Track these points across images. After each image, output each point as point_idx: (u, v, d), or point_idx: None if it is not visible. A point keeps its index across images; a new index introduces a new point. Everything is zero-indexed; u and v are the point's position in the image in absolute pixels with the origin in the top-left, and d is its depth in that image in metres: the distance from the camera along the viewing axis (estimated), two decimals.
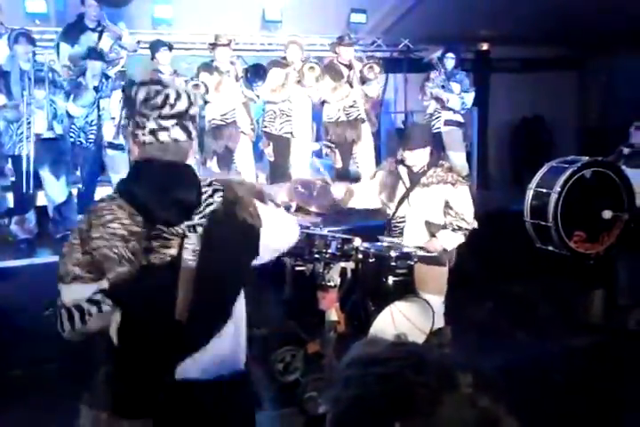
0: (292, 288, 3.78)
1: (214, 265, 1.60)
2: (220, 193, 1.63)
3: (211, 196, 1.61)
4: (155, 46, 5.28)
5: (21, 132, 4.70)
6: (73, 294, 1.53)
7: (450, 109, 6.09)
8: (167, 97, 1.54)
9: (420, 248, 3.58)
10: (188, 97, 1.59)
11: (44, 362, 3.65)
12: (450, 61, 6.08)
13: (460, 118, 6.21)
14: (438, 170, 3.58)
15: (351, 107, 5.72)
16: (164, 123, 1.55)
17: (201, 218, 1.58)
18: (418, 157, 3.57)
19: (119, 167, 4.92)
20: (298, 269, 3.57)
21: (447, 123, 6.11)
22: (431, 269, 3.62)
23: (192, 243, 1.56)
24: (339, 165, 5.83)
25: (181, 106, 1.56)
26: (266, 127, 5.66)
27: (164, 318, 1.57)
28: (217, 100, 5.31)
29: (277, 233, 1.78)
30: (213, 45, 5.34)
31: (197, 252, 1.57)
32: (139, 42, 5.68)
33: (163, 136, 1.55)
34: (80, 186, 5.11)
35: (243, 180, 1.85)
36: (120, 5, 5.13)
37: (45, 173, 4.79)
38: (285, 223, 1.87)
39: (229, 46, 5.32)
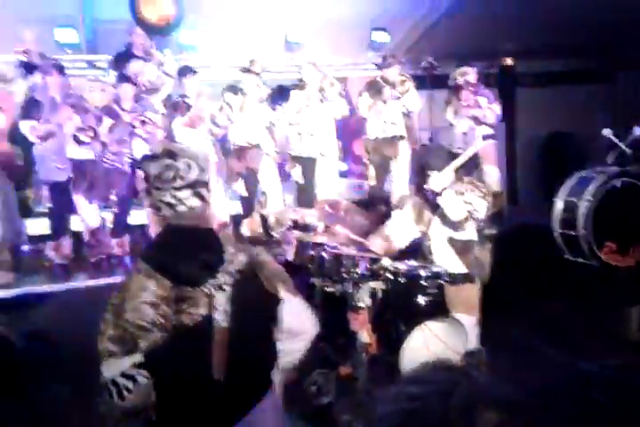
0: (322, 310, 3.77)
1: (246, 324, 1.63)
2: (244, 253, 1.68)
3: (234, 255, 1.66)
4: (182, 72, 5.39)
5: (55, 159, 4.86)
6: (110, 370, 1.54)
7: (483, 123, 6.05)
8: (178, 170, 1.59)
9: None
10: (198, 165, 1.64)
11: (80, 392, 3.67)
12: (472, 76, 6.06)
13: (493, 131, 6.17)
14: (462, 183, 3.54)
15: (391, 124, 5.71)
16: (179, 194, 1.60)
17: (226, 277, 1.62)
18: (441, 178, 3.57)
19: None
20: (327, 290, 3.58)
21: (484, 138, 6.07)
22: (462, 288, 3.58)
23: (221, 303, 1.60)
24: (373, 182, 5.82)
25: (192, 176, 1.61)
26: (291, 149, 5.71)
27: (201, 380, 1.58)
28: (241, 121, 5.39)
29: (294, 315, 1.78)
30: (246, 71, 5.46)
31: (228, 312, 1.60)
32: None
33: (180, 208, 1.61)
34: (114, 210, 5.22)
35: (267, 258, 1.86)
36: (165, 34, 5.30)
37: (79, 198, 4.92)
38: (303, 310, 1.86)
39: (258, 74, 5.43)
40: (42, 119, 4.79)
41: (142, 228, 5.16)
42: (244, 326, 1.61)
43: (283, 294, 1.74)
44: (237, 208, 5.67)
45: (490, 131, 6.08)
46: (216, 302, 1.59)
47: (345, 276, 3.38)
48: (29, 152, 4.96)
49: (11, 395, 3.18)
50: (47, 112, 4.84)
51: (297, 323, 1.79)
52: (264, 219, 5.09)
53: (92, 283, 4.57)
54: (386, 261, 3.42)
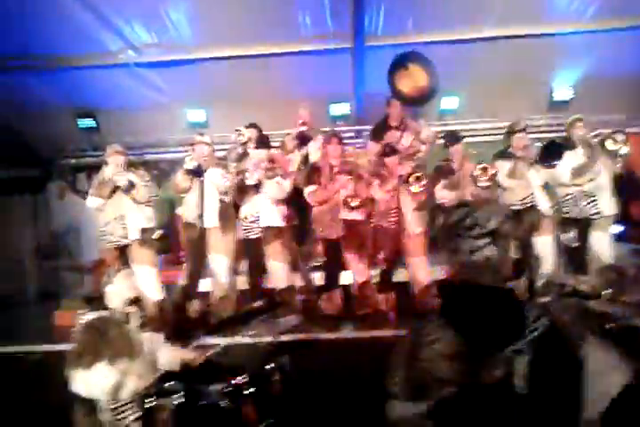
0: None
1: (545, 392, 1.57)
2: (546, 318, 1.63)
3: (534, 321, 1.62)
4: (449, 138, 5.58)
5: (329, 219, 5.37)
6: (392, 411, 1.59)
7: None
8: (477, 219, 1.63)
9: None
10: (497, 216, 1.64)
11: None
12: None
13: None
14: None
15: None
16: (478, 242, 1.63)
17: (525, 344, 1.58)
18: None
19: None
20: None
21: None
22: None
23: (520, 368, 1.56)
24: None
25: (492, 225, 1.62)
26: (566, 213, 5.40)
27: None
28: (514, 185, 5.33)
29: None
30: (510, 133, 5.44)
31: (527, 377, 1.56)
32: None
33: (477, 255, 1.63)
34: (382, 267, 5.49)
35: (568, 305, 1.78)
36: (421, 104, 5.64)
37: (351, 255, 5.31)
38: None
39: (525, 132, 5.37)
40: (321, 185, 5.34)
41: (406, 285, 5.37)
42: (544, 393, 1.53)
43: (587, 354, 1.62)
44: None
45: None
46: (515, 367, 1.54)
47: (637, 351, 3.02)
48: (308, 213, 5.56)
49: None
50: (324, 179, 5.38)
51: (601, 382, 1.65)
52: (531, 282, 4.87)
53: (356, 335, 4.82)
54: None
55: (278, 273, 5.26)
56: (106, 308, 2.98)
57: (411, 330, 1.73)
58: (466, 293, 1.70)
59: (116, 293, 3.04)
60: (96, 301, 3.06)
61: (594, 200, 5.29)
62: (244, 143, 5.43)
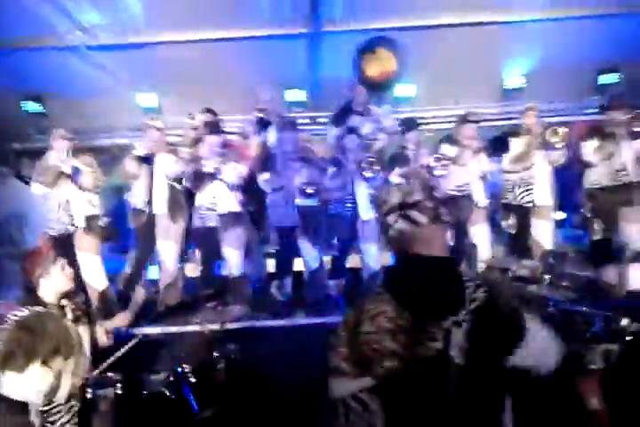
0: None
1: (481, 364, 1.58)
2: (483, 289, 1.63)
3: (474, 291, 1.62)
4: (407, 125, 5.60)
5: (284, 206, 5.33)
6: (339, 389, 1.59)
7: None
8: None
9: None
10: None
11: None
12: None
13: None
14: None
15: (620, 171, 5.26)
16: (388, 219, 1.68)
17: (466, 314, 1.58)
18: None
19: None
20: None
21: None
22: None
23: (458, 339, 1.56)
24: (598, 236, 5.30)
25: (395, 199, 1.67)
26: (505, 198, 5.53)
27: (428, 414, 1.55)
28: (455, 172, 5.37)
29: (538, 351, 1.67)
30: (461, 122, 5.49)
31: (463, 349, 1.56)
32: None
33: (389, 232, 1.68)
34: (334, 253, 5.51)
35: (507, 280, 1.81)
36: (385, 89, 5.61)
37: (304, 242, 5.29)
38: (548, 343, 1.73)
39: (476, 123, 5.43)
40: (275, 172, 5.29)
41: (357, 272, 5.39)
42: (479, 364, 1.54)
43: (528, 323, 1.63)
44: None
45: None
46: (453, 338, 1.56)
47: (576, 334, 3.11)
48: (262, 199, 5.52)
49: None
50: (279, 165, 5.33)
51: (540, 353, 1.66)
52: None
53: (309, 321, 4.82)
54: (625, 322, 3.08)
55: (234, 260, 5.20)
56: (38, 302, 2.77)
57: (353, 306, 1.71)
58: (405, 263, 1.70)
59: (52, 285, 2.83)
60: (28, 294, 2.82)
61: (529, 189, 5.39)
62: (195, 128, 5.32)
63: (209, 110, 5.61)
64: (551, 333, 1.74)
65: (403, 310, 1.58)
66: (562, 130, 5.12)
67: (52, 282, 2.84)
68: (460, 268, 4.78)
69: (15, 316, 2.61)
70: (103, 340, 3.12)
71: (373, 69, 5.19)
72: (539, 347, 1.66)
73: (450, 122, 6.21)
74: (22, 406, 2.56)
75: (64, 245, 4.67)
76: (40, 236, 4.95)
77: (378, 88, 5.50)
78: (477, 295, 1.61)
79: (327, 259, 5.50)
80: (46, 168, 4.92)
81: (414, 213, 1.67)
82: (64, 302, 2.88)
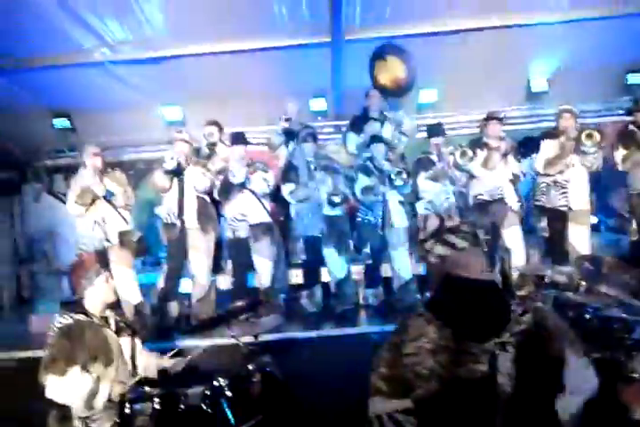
0: None
1: (530, 393, 1.55)
2: (530, 314, 1.62)
3: (520, 315, 1.62)
4: (434, 130, 5.57)
5: (310, 216, 5.32)
6: (376, 407, 1.58)
7: None
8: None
9: None
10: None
11: None
12: None
13: None
14: None
15: None
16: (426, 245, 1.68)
17: (510, 337, 1.57)
18: None
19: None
20: (593, 356, 3.24)
21: None
22: None
23: (505, 365, 1.54)
24: (634, 237, 5.22)
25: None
26: (538, 201, 5.42)
27: None
28: (484, 176, 5.32)
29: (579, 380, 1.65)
30: (486, 121, 5.41)
31: (512, 375, 1.54)
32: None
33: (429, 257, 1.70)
34: (369, 262, 5.50)
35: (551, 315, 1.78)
36: (400, 96, 5.60)
37: (330, 251, 5.28)
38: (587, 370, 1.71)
39: (501, 121, 5.35)
40: (300, 183, 5.30)
41: (388, 280, 5.37)
42: (525, 390, 1.52)
43: (568, 354, 1.61)
44: None
45: None
46: (500, 363, 1.53)
47: (616, 342, 3.03)
48: (288, 209, 5.54)
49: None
50: (304, 176, 5.35)
51: (577, 383, 1.63)
52: (505, 276, 4.87)
53: (336, 332, 4.78)
54: None
55: (265, 270, 5.22)
56: (84, 312, 2.92)
57: (396, 325, 1.72)
58: (450, 285, 1.70)
59: (97, 296, 2.99)
60: (74, 305, 2.98)
61: (564, 192, 5.28)
62: (214, 143, 5.39)
63: (214, 122, 5.57)
64: (589, 362, 1.72)
65: (445, 331, 1.57)
66: (596, 133, 5.01)
67: (97, 293, 2.99)
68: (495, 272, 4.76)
69: (60, 323, 2.79)
70: (163, 363, 3.21)
71: (384, 77, 5.20)
72: (580, 375, 1.64)
73: (475, 127, 6.16)
74: (65, 410, 2.69)
75: (100, 261, 4.73)
76: (80, 251, 5.02)
77: (391, 95, 5.49)
78: (523, 319, 1.60)
79: (359, 268, 5.47)
80: (82, 190, 4.95)
81: (453, 238, 1.68)
82: (107, 313, 3.03)
